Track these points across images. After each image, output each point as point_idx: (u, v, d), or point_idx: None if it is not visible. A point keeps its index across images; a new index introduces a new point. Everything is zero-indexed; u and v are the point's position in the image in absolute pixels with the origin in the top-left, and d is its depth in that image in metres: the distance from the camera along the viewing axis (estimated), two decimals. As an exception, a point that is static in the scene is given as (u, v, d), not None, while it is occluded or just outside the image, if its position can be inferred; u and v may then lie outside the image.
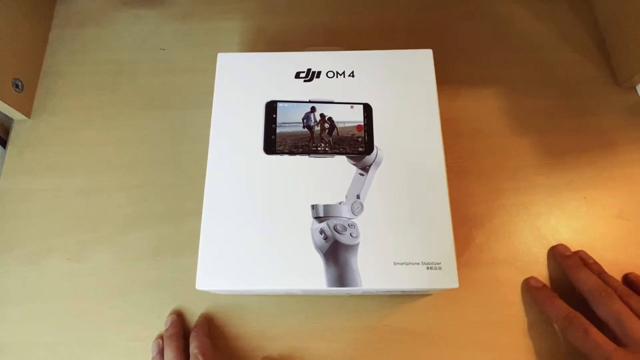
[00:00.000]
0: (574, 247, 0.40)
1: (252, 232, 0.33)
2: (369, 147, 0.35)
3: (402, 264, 0.32)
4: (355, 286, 0.31)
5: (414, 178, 0.34)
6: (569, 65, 0.47)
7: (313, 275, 0.32)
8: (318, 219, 0.33)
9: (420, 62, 0.37)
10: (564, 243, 0.40)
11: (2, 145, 0.46)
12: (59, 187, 0.43)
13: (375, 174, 0.34)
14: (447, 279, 0.31)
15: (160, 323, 0.38)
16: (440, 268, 0.32)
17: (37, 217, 0.42)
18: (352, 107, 0.36)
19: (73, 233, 0.42)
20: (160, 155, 0.44)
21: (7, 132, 0.46)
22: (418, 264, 0.32)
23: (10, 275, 0.41)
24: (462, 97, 0.46)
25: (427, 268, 0.32)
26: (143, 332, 0.38)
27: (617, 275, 0.39)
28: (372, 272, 0.32)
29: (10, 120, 0.47)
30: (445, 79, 0.37)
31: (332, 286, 0.31)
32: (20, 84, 0.45)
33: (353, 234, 0.33)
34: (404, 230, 0.33)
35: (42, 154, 0.45)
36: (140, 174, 0.44)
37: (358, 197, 0.33)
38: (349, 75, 0.37)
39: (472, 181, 0.42)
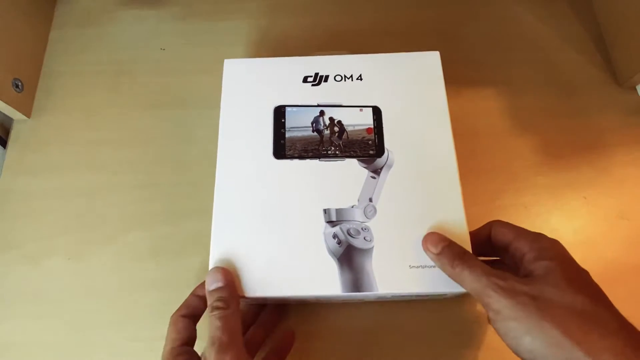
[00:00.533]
0: (574, 247, 0.40)
1: (263, 238, 0.32)
2: (379, 149, 0.35)
3: (418, 267, 0.31)
4: (371, 291, 0.31)
5: (427, 180, 0.34)
6: (569, 65, 0.47)
7: (327, 281, 0.31)
8: (331, 223, 0.33)
9: (428, 64, 0.37)
10: (564, 243, 0.40)
11: (2, 145, 0.46)
12: (59, 187, 0.43)
13: (387, 176, 0.34)
14: None
15: (160, 323, 0.38)
16: None
17: (37, 217, 0.42)
18: (361, 110, 0.36)
19: (73, 233, 0.42)
20: (161, 155, 0.44)
21: (7, 132, 0.46)
22: (434, 267, 0.31)
23: (10, 275, 0.41)
24: (462, 97, 0.46)
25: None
26: (143, 332, 0.38)
27: (617, 275, 0.39)
28: (388, 276, 0.31)
29: (10, 120, 0.47)
30: (446, 79, 0.37)
31: (348, 291, 0.31)
32: (20, 84, 0.45)
33: (367, 238, 0.32)
34: (418, 232, 0.32)
35: (42, 154, 0.45)
36: (140, 174, 0.44)
37: (370, 200, 0.33)
38: (357, 79, 0.37)
39: (472, 181, 0.42)
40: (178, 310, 0.32)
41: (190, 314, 0.31)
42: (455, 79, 0.39)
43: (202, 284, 0.32)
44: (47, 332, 0.38)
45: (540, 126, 0.44)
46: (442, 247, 0.30)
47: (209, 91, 0.44)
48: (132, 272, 0.40)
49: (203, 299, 0.31)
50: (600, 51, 0.48)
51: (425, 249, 0.31)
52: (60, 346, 0.38)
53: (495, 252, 0.32)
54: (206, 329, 0.29)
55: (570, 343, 0.23)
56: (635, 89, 0.46)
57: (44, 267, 0.41)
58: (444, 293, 0.32)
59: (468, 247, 0.31)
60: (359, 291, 0.31)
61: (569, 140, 0.44)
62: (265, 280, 0.31)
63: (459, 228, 0.32)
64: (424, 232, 0.32)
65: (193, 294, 0.33)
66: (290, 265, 0.31)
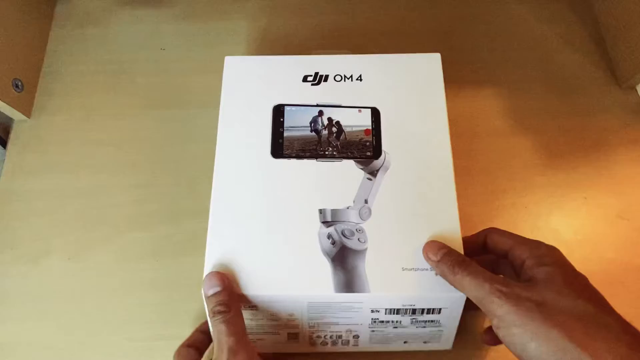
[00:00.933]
0: (574, 247, 0.40)
1: (258, 236, 0.32)
2: (377, 151, 0.35)
3: (410, 269, 0.31)
4: (363, 292, 0.31)
5: (422, 183, 0.34)
6: (569, 65, 0.47)
7: (320, 281, 0.31)
8: (326, 223, 0.33)
9: (428, 66, 0.37)
10: (564, 243, 0.40)
11: (2, 145, 0.46)
12: (59, 187, 0.43)
13: (383, 178, 0.34)
14: None
15: (160, 323, 0.38)
16: None
17: (37, 217, 0.42)
18: (360, 111, 0.36)
19: (73, 233, 0.42)
20: (160, 155, 0.44)
21: (7, 132, 0.46)
22: (427, 269, 0.31)
23: (10, 275, 0.40)
24: (462, 97, 0.46)
25: (436, 274, 0.31)
26: (143, 332, 0.38)
27: (617, 275, 0.39)
28: (380, 278, 0.31)
29: (10, 120, 0.46)
30: (446, 79, 0.37)
31: (340, 291, 0.31)
32: (20, 84, 0.45)
33: (361, 239, 0.32)
34: (412, 235, 0.32)
35: (42, 154, 0.45)
36: (140, 174, 0.44)
37: (366, 201, 0.33)
38: (357, 79, 0.37)
39: (472, 181, 0.42)
40: (182, 344, 0.32)
41: (195, 345, 0.32)
42: (455, 79, 0.39)
43: (207, 322, 0.32)
44: (46, 332, 0.38)
45: (540, 126, 0.44)
46: (442, 254, 0.30)
47: (208, 91, 0.44)
48: (132, 272, 0.40)
49: (207, 334, 0.32)
50: (600, 51, 0.48)
51: (426, 258, 0.31)
52: (60, 346, 0.38)
53: (488, 260, 0.33)
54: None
55: (576, 348, 0.23)
56: (635, 89, 0.46)
57: (44, 267, 0.41)
58: (434, 299, 0.32)
59: (460, 250, 0.31)
60: (351, 291, 0.31)
61: (569, 140, 0.44)
62: (259, 279, 0.31)
63: (452, 233, 0.32)
64: (418, 234, 0.32)
65: (197, 330, 0.33)
66: (284, 265, 0.31)
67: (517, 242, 0.30)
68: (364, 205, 0.33)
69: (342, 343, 0.34)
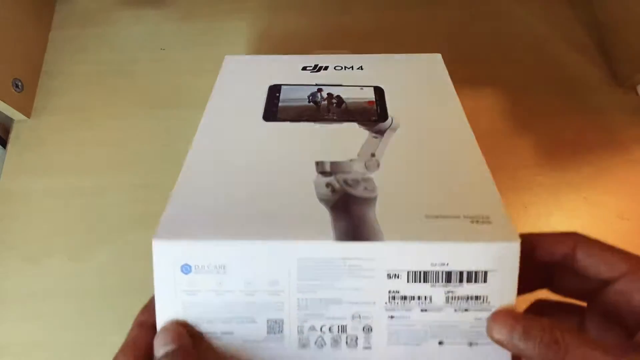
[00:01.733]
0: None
1: (240, 183, 0.26)
2: (382, 116, 0.31)
3: (436, 217, 0.23)
4: (375, 239, 0.22)
5: (438, 137, 0.30)
6: (569, 65, 0.47)
7: (316, 226, 0.23)
8: (323, 174, 0.26)
9: (430, 66, 0.37)
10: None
11: (2, 145, 0.46)
12: (59, 187, 0.43)
13: (391, 138, 0.29)
14: (504, 232, 0.22)
15: (160, 323, 0.38)
16: (489, 222, 0.23)
17: (37, 217, 0.42)
18: (362, 88, 0.34)
19: (73, 233, 0.42)
20: (160, 155, 0.44)
21: (7, 132, 0.46)
22: (459, 217, 0.23)
23: (10, 275, 0.40)
24: (462, 97, 0.45)
25: (472, 222, 0.23)
26: (143, 332, 0.38)
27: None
28: (398, 226, 0.23)
29: (10, 120, 0.46)
30: (446, 79, 0.37)
31: (343, 239, 0.22)
32: (20, 84, 0.45)
33: (368, 187, 0.25)
34: (435, 181, 0.26)
35: (42, 154, 0.45)
36: (140, 174, 0.44)
37: (373, 155, 0.28)
38: (358, 69, 0.36)
39: (472, 181, 0.42)
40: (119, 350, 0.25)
41: (133, 349, 0.25)
42: (456, 79, 0.39)
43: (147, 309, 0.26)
44: (46, 333, 0.38)
45: (540, 126, 0.44)
46: (518, 326, 0.20)
47: (209, 91, 0.44)
48: (132, 272, 0.40)
49: (148, 329, 0.25)
50: (600, 51, 0.48)
51: (495, 340, 0.21)
52: (60, 346, 0.38)
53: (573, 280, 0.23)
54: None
55: None
56: (635, 89, 0.46)
57: (44, 267, 0.41)
58: (483, 263, 0.22)
59: (496, 195, 0.26)
60: (357, 239, 0.22)
61: (569, 140, 0.44)
62: (233, 223, 0.23)
63: (484, 176, 0.27)
64: (442, 180, 0.26)
65: (136, 324, 0.26)
66: (268, 207, 0.24)
67: (636, 266, 0.21)
68: (371, 158, 0.27)
69: (347, 343, 0.23)
